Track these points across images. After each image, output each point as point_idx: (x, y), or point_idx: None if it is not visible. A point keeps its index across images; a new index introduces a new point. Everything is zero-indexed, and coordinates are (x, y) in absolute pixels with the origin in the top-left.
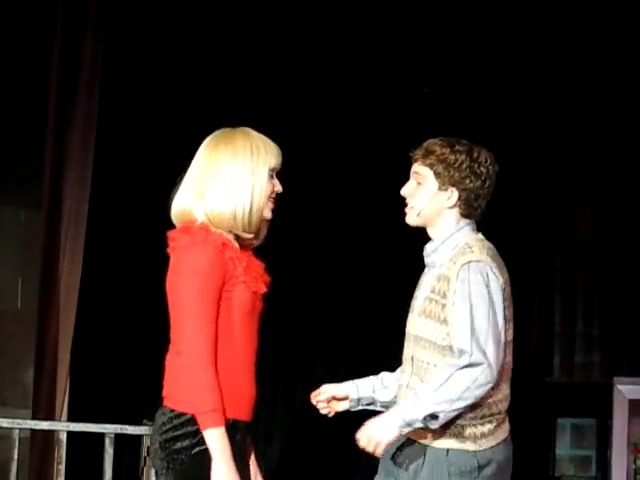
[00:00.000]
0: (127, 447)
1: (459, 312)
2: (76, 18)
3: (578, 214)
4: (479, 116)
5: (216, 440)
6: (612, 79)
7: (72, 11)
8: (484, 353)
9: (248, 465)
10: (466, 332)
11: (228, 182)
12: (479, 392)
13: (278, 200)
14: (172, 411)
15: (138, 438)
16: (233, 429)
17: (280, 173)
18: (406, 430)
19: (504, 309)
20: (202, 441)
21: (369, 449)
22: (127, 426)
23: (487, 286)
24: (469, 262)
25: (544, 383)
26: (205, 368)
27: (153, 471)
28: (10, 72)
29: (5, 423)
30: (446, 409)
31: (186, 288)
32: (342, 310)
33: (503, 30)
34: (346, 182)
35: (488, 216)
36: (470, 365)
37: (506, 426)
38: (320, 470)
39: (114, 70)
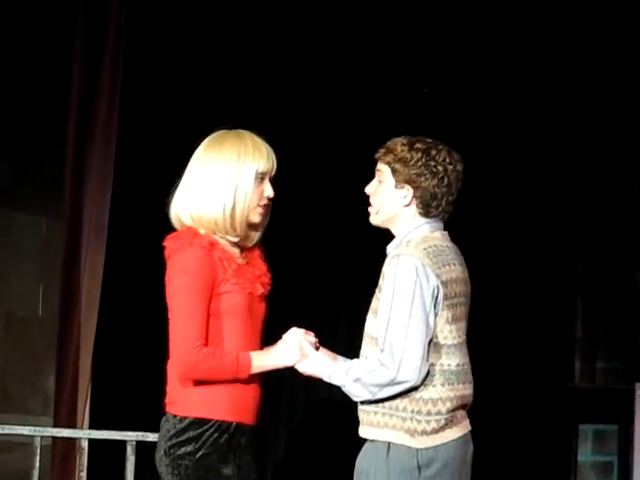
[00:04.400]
0: (149, 454)
1: (382, 307)
2: (96, 28)
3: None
4: (480, 117)
5: (259, 368)
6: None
7: (92, 23)
8: (395, 351)
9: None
10: (384, 328)
11: (210, 185)
12: (393, 389)
13: (284, 203)
14: (175, 417)
15: None
16: (238, 433)
17: (284, 174)
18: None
19: (433, 307)
20: (205, 445)
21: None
22: (149, 433)
23: (414, 282)
24: (398, 255)
25: (565, 389)
26: (199, 361)
27: None
28: (30, 81)
29: (27, 431)
30: (361, 396)
31: (174, 290)
32: (354, 313)
33: (502, 30)
34: (345, 182)
35: (509, 223)
36: (385, 363)
37: (458, 428)
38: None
39: (134, 78)
